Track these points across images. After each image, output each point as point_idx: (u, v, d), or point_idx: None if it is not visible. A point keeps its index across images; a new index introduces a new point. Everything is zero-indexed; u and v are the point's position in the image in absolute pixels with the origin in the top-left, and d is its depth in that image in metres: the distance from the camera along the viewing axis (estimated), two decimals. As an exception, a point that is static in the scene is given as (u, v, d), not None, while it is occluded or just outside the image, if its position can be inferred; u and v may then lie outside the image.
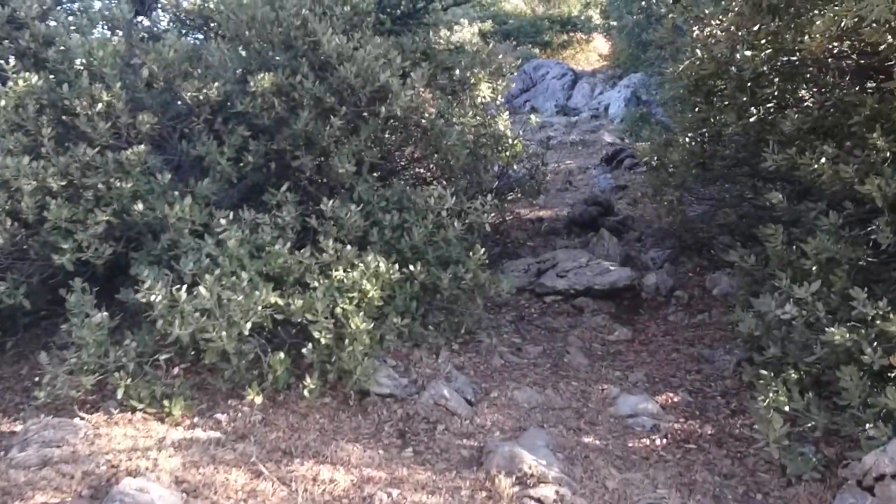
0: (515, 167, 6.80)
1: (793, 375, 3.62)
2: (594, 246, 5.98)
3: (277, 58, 4.80)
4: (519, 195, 6.82)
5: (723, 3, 4.54)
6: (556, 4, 21.46)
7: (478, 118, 5.96)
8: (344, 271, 4.10)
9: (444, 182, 5.68)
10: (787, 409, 3.44)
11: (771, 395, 3.48)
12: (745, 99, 4.74)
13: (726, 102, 5.01)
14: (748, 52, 4.49)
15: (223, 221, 4.08)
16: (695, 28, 5.07)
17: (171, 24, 6.35)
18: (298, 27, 4.72)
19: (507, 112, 6.51)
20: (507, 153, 6.40)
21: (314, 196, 4.89)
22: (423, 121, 4.96)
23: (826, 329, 3.39)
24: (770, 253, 4.13)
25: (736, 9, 4.39)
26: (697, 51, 4.85)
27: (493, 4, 20.39)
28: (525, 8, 21.73)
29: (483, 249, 4.37)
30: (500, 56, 5.77)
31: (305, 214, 4.47)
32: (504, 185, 6.67)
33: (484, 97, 5.76)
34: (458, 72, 5.67)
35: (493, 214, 4.58)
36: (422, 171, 6.44)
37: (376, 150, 4.98)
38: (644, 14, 9.87)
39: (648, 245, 6.28)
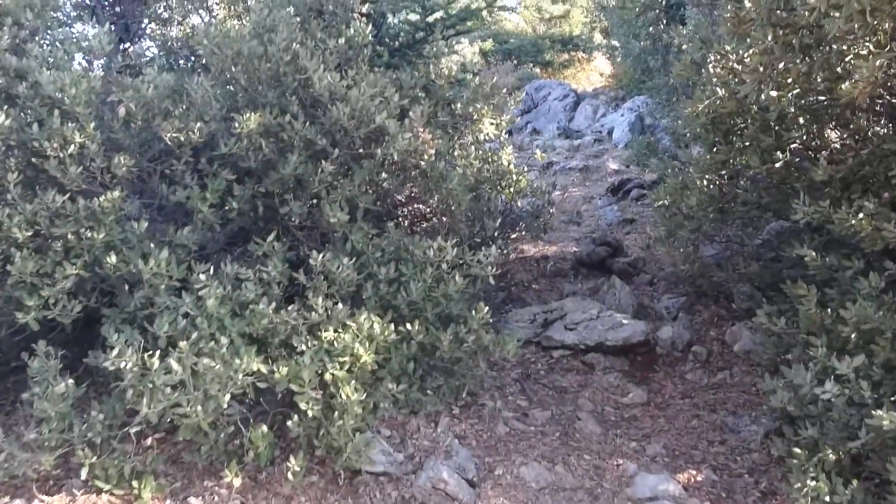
0: (520, 203, 6.46)
1: (830, 457, 3.27)
2: (605, 294, 5.57)
3: (266, 94, 4.46)
4: (523, 232, 6.49)
5: (748, 40, 4.19)
6: (557, 24, 21.24)
7: (480, 154, 5.62)
8: (335, 331, 3.74)
9: (444, 219, 5.32)
10: (827, 498, 3.09)
11: (809, 483, 3.13)
12: (769, 141, 4.38)
13: (748, 143, 4.66)
14: (773, 93, 4.15)
15: (203, 277, 3.71)
16: (712, 63, 4.73)
17: (160, 52, 6.03)
18: (288, 63, 4.37)
19: (509, 133, 6.19)
20: (511, 189, 6.08)
21: (304, 242, 4.54)
22: (423, 163, 4.60)
23: (872, 412, 3.03)
24: (802, 316, 3.75)
25: (762, 46, 4.04)
26: (718, 89, 4.51)
27: (493, 23, 20.15)
28: (526, 27, 21.53)
29: (487, 308, 4.00)
30: (504, 90, 5.43)
31: (294, 266, 4.11)
32: (507, 222, 6.33)
33: (487, 135, 5.43)
34: (459, 106, 5.33)
35: (496, 267, 4.20)
36: (421, 206, 6.09)
37: (371, 193, 4.63)
38: (651, 40, 9.54)
39: (661, 290, 5.89)
